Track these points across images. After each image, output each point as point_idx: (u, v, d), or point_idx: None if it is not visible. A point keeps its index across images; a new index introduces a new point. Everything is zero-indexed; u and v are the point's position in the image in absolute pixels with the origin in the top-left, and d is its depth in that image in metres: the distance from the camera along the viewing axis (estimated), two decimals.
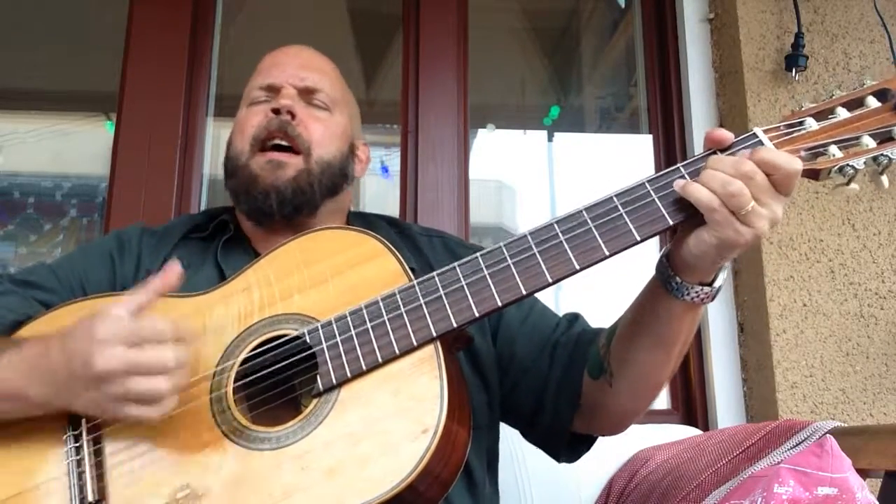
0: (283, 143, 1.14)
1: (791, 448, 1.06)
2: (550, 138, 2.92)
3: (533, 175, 2.79)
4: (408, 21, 2.22)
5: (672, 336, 0.93)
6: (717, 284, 0.88)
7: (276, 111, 1.15)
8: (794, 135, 0.86)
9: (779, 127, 0.87)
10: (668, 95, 2.22)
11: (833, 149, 0.84)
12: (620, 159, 2.50)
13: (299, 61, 1.23)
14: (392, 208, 2.11)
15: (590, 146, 2.92)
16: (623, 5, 2.53)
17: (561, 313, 1.17)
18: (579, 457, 1.12)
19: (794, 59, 1.97)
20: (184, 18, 2.13)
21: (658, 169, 2.22)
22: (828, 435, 1.01)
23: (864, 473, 1.01)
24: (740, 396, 1.94)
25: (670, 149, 2.20)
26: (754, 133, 0.86)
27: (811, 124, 0.86)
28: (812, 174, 0.85)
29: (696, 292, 0.87)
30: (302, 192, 1.14)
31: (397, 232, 1.26)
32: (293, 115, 1.15)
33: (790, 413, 1.78)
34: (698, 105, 2.15)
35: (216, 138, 2.22)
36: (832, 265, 1.89)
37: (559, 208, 2.68)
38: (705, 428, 1.92)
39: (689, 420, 1.97)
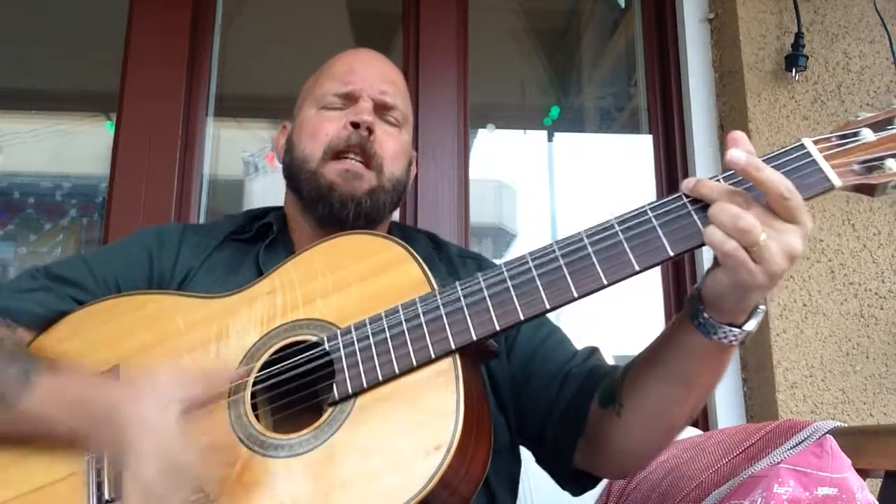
0: (358, 158, 1.13)
1: (791, 448, 1.06)
2: (550, 138, 2.91)
3: (533, 175, 2.79)
4: (408, 21, 2.22)
5: (692, 375, 0.88)
6: (747, 328, 0.82)
7: (355, 125, 1.13)
8: (848, 146, 0.79)
9: (830, 138, 0.80)
10: (668, 95, 2.22)
11: (890, 162, 0.77)
12: (620, 159, 2.50)
13: (377, 72, 1.22)
14: None
15: (590, 146, 2.92)
16: (623, 5, 2.53)
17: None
18: (584, 491, 1.09)
19: (794, 59, 1.97)
20: (184, 19, 2.13)
21: (658, 169, 2.23)
22: (828, 435, 1.01)
23: (864, 473, 1.01)
24: (740, 396, 1.94)
25: (670, 149, 2.20)
26: (802, 144, 0.79)
27: (867, 135, 0.79)
28: (866, 189, 0.78)
29: (724, 332, 0.81)
30: (377, 208, 1.14)
31: (434, 248, 1.25)
32: (370, 131, 1.14)
33: (790, 413, 1.78)
34: (698, 105, 2.15)
35: (216, 138, 2.22)
36: (832, 265, 1.89)
37: (559, 208, 2.68)
38: (705, 428, 1.92)
39: None
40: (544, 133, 2.98)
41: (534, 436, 1.08)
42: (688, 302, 0.85)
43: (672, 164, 2.19)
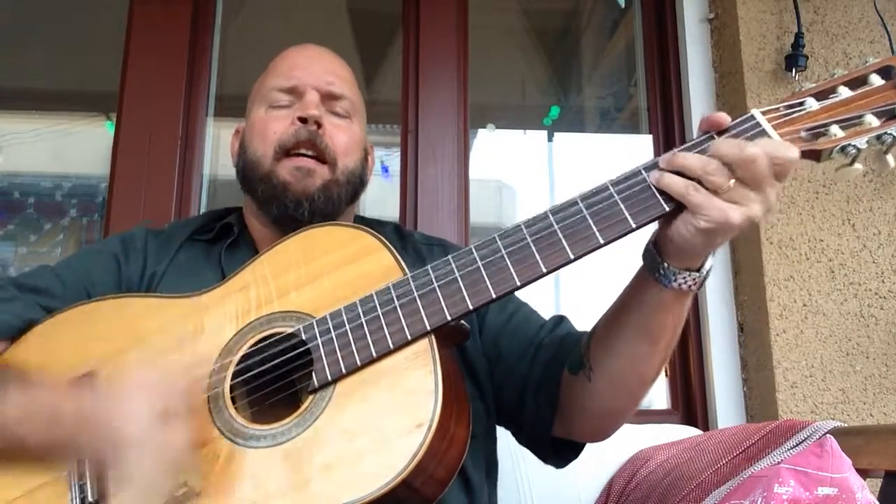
0: (310, 153, 1.13)
1: (791, 448, 1.06)
2: (550, 138, 2.91)
3: (533, 175, 2.79)
4: (408, 21, 2.22)
5: (657, 328, 0.90)
6: (704, 270, 0.86)
7: (303, 120, 1.13)
8: (794, 115, 0.84)
9: (778, 108, 0.85)
10: (668, 95, 2.22)
11: (834, 128, 0.81)
12: (620, 159, 2.50)
13: (322, 65, 1.21)
14: (392, 209, 2.11)
15: (590, 146, 2.92)
16: (623, 5, 2.53)
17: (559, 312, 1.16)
18: (567, 462, 1.10)
19: (794, 59, 1.97)
20: (184, 18, 2.13)
21: None
22: (828, 435, 1.01)
23: (864, 473, 1.01)
24: (740, 396, 1.94)
25: (670, 149, 2.19)
26: (752, 115, 0.85)
27: (811, 104, 0.84)
28: (813, 155, 0.83)
29: (684, 278, 0.85)
30: (332, 202, 1.14)
31: (399, 239, 1.25)
32: (319, 125, 1.14)
33: (790, 413, 1.78)
34: (698, 105, 2.15)
35: (216, 138, 2.22)
36: (832, 265, 1.89)
37: None
38: (705, 428, 1.92)
39: (689, 420, 1.97)
40: (544, 133, 2.98)
41: (512, 411, 1.09)
42: (645, 255, 0.88)
43: None
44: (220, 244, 1.18)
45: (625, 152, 2.50)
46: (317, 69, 1.20)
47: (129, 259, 1.15)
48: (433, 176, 2.08)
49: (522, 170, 2.84)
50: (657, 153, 2.23)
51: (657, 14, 2.32)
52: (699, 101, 2.15)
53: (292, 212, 1.12)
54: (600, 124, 3.05)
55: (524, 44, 3.14)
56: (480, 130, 2.78)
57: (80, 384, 0.92)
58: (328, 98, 1.18)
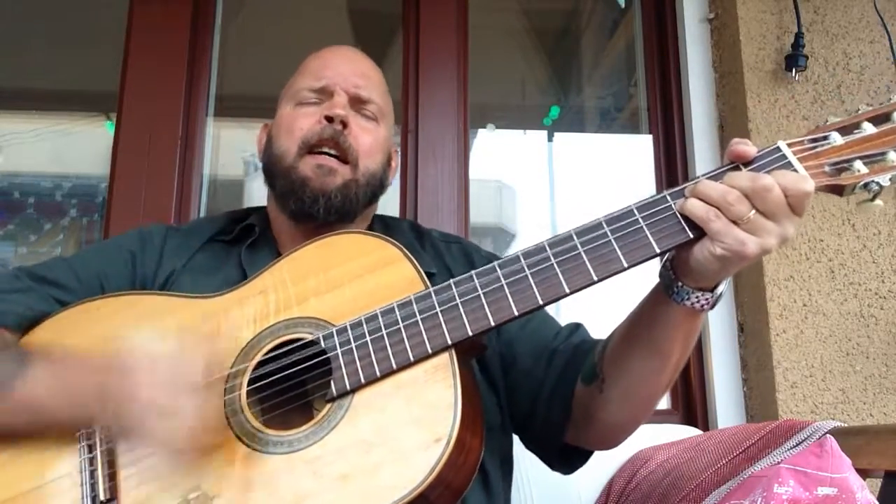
0: (333, 152, 1.14)
1: (791, 448, 1.06)
2: (550, 138, 2.91)
3: (533, 175, 2.79)
4: (408, 21, 2.22)
5: (668, 344, 0.92)
6: (718, 291, 0.87)
7: (329, 119, 1.14)
8: (819, 149, 0.85)
9: (803, 141, 0.86)
10: (668, 95, 2.22)
11: (858, 164, 0.83)
12: (620, 159, 2.50)
13: (352, 67, 1.23)
14: (392, 208, 2.11)
15: (590, 146, 2.92)
16: (623, 5, 2.53)
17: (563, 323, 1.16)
18: (574, 469, 1.11)
19: (794, 59, 1.97)
20: (184, 18, 2.13)
21: (658, 169, 2.23)
22: (828, 435, 1.01)
23: (864, 473, 1.01)
24: (740, 396, 1.94)
25: (670, 149, 2.20)
26: (778, 147, 0.85)
27: (836, 139, 0.85)
28: (836, 189, 0.84)
29: (697, 297, 0.86)
30: (349, 201, 1.14)
31: (417, 237, 1.26)
32: (345, 125, 1.15)
33: (790, 413, 1.78)
34: (698, 105, 2.15)
35: (216, 138, 2.22)
36: (832, 265, 1.89)
37: (559, 208, 2.68)
38: (705, 428, 1.92)
39: (689, 420, 1.97)
40: (544, 133, 2.98)
41: (523, 416, 1.10)
42: (662, 273, 0.90)
43: (672, 164, 2.19)
44: (240, 244, 1.18)
45: (625, 152, 2.50)
46: (347, 71, 1.21)
47: (146, 255, 1.15)
48: (433, 176, 2.08)
49: (522, 170, 2.84)
50: (657, 153, 2.24)
51: (657, 14, 2.32)
52: (699, 101, 2.15)
53: (308, 208, 1.13)
54: (600, 124, 3.05)
55: (524, 44, 3.14)
56: (480, 130, 2.78)
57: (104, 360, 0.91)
58: (356, 100, 1.19)
